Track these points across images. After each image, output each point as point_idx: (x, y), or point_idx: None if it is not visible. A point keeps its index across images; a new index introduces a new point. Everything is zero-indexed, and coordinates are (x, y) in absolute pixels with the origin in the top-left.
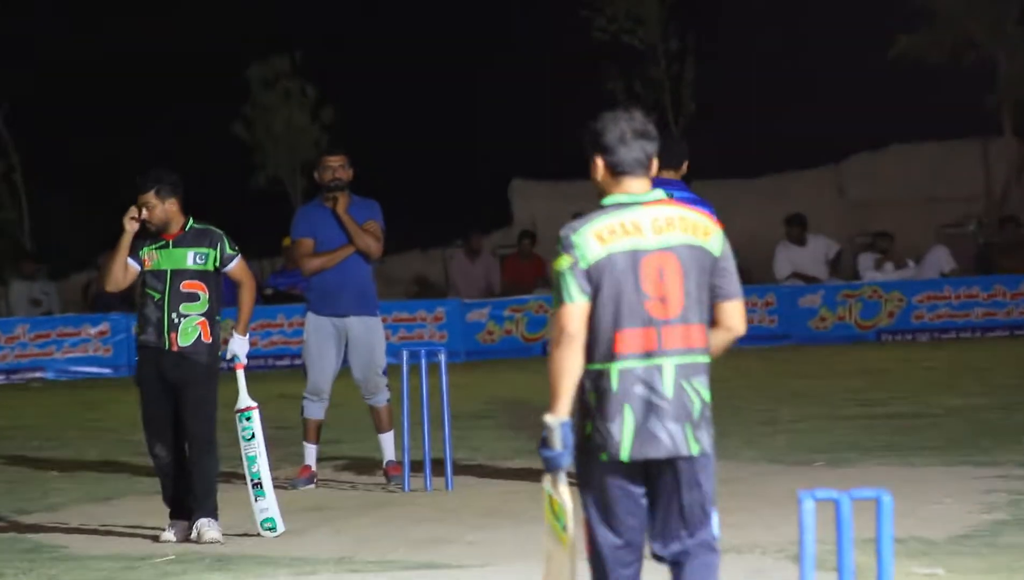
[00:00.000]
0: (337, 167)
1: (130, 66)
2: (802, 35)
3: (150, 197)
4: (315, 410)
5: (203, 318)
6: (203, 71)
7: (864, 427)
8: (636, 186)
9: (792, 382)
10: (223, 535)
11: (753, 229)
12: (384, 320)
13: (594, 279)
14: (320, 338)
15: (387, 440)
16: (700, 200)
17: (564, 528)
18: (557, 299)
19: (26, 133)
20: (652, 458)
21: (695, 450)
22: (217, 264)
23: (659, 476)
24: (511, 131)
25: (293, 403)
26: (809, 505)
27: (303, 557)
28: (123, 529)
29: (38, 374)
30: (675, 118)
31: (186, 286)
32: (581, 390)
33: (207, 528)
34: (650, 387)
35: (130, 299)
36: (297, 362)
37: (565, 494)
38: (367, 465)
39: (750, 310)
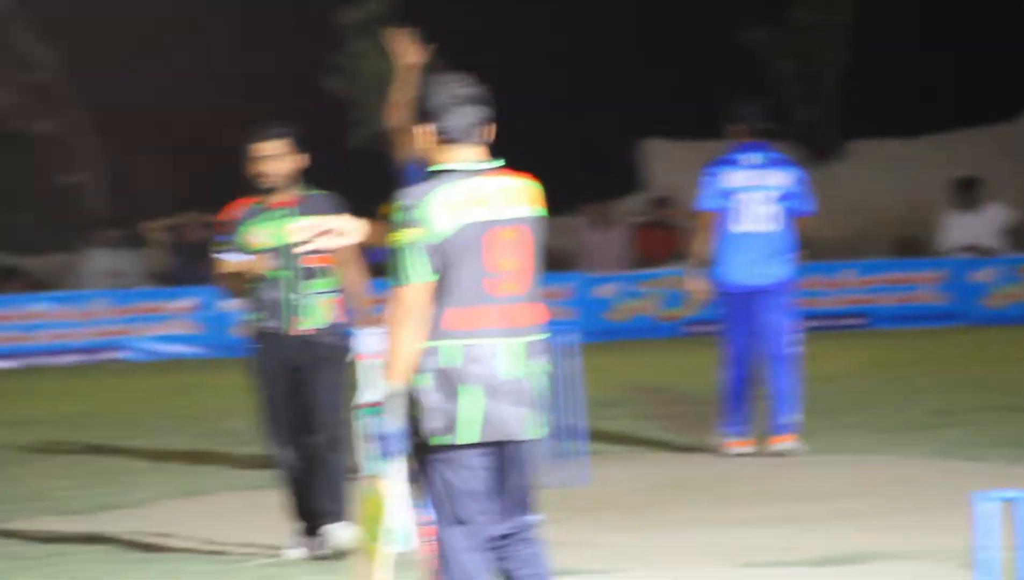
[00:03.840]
0: None
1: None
2: None
3: (282, 145)
4: None
5: (330, 297)
6: (281, 15)
7: None
8: (469, 154)
9: (967, 368)
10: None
11: (914, 195)
12: None
13: (443, 254)
14: None
15: None
16: (791, 162)
17: (377, 536)
18: (398, 277)
19: (89, 89)
20: (489, 441)
21: (532, 434)
22: None
23: (492, 458)
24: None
25: None
26: (986, 507)
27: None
28: (217, 528)
29: (118, 354)
30: (825, 68)
31: (310, 261)
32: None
33: (343, 530)
34: (491, 367)
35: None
36: None
37: (395, 494)
38: None
39: (912, 286)
